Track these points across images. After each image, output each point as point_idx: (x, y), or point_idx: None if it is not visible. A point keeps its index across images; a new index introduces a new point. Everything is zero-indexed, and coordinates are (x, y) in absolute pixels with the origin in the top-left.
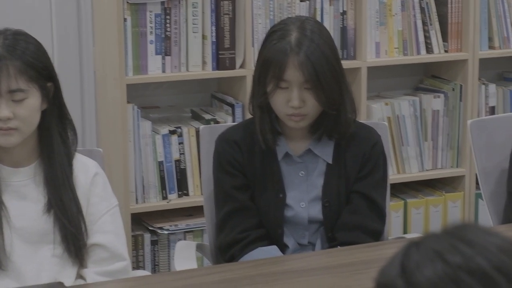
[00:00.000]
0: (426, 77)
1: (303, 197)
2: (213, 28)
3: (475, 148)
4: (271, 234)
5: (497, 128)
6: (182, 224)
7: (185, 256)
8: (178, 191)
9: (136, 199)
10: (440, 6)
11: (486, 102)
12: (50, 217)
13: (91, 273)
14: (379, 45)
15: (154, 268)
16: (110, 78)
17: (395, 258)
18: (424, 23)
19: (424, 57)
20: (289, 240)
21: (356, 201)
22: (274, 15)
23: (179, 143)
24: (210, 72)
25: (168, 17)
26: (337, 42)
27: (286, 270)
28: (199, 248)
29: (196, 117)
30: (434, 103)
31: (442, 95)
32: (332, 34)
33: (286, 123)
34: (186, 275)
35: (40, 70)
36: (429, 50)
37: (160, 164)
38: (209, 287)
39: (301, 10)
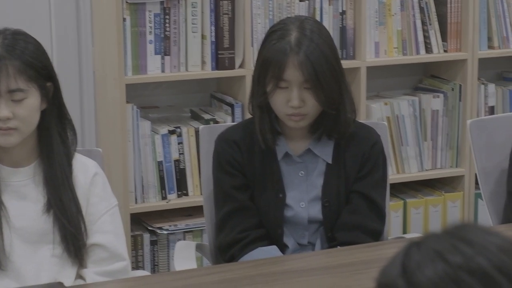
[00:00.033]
0: (425, 77)
1: (303, 197)
2: (213, 28)
3: (475, 148)
4: (271, 234)
5: (497, 128)
6: (182, 224)
7: (184, 256)
8: (178, 191)
9: (136, 199)
10: (439, 6)
11: (485, 102)
12: (50, 217)
13: (91, 273)
14: (378, 45)
15: (154, 268)
16: (109, 78)
17: (396, 258)
18: (423, 23)
19: (423, 57)
20: (289, 240)
21: (355, 201)
22: (274, 15)
23: (179, 143)
24: (209, 72)
25: (167, 17)
26: (337, 42)
27: (286, 270)
28: (199, 248)
29: (196, 117)
30: (434, 103)
31: (441, 95)
32: (331, 34)
33: (285, 123)
34: (185, 275)
35: (40, 70)
36: (428, 50)
37: (160, 164)
38: (208, 287)
39: (301, 10)
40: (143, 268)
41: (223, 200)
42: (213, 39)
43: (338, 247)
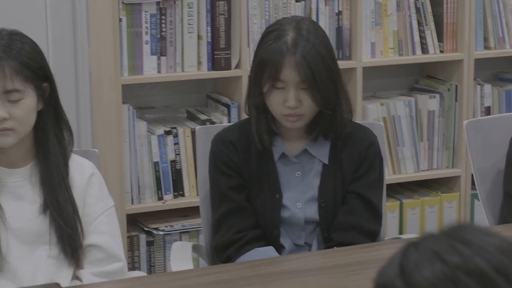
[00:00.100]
0: (421, 78)
1: (300, 198)
2: (209, 28)
3: (471, 149)
4: (268, 235)
5: (493, 129)
6: (178, 224)
7: (181, 256)
8: (174, 191)
9: (132, 200)
10: (435, 7)
11: (481, 102)
12: (46, 217)
13: (87, 274)
14: (374, 45)
15: (150, 269)
16: (105, 79)
17: (393, 258)
18: (419, 23)
19: (419, 57)
20: (285, 241)
21: (352, 202)
22: (270, 15)
23: (175, 144)
24: (205, 73)
25: (163, 17)
26: (333, 42)
27: (282, 271)
28: (195, 248)
29: (192, 117)
30: (430, 103)
31: (437, 96)
32: (327, 34)
33: (282, 123)
34: (182, 275)
35: (36, 70)
36: (424, 50)
37: (156, 164)
38: None
39: (297, 10)
40: (139, 269)
41: (220, 200)
42: (209, 40)
43: (335, 247)
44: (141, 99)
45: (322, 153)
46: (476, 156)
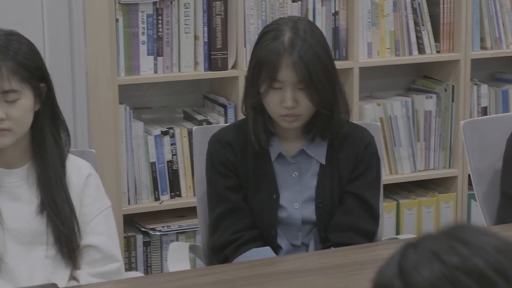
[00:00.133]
0: (418, 78)
1: (297, 198)
2: (205, 28)
3: (468, 149)
4: (265, 235)
5: (490, 129)
6: (175, 225)
7: (178, 257)
8: (171, 192)
9: (128, 200)
10: (432, 7)
11: (478, 103)
12: (43, 218)
13: (84, 274)
14: (371, 45)
15: (147, 270)
16: (102, 79)
17: (392, 258)
18: (416, 24)
19: (416, 57)
20: (282, 241)
21: (349, 202)
22: (266, 15)
23: (171, 144)
24: (202, 73)
25: (160, 17)
26: (329, 43)
27: (280, 271)
28: (192, 249)
29: (188, 118)
30: (426, 103)
31: (434, 96)
32: (324, 34)
33: (279, 123)
34: (179, 276)
35: (33, 71)
36: (421, 50)
37: (152, 165)
38: None
39: (293, 10)
40: (136, 269)
41: (217, 201)
42: (206, 40)
43: (332, 248)
44: (138, 100)
45: (319, 153)
46: (473, 156)
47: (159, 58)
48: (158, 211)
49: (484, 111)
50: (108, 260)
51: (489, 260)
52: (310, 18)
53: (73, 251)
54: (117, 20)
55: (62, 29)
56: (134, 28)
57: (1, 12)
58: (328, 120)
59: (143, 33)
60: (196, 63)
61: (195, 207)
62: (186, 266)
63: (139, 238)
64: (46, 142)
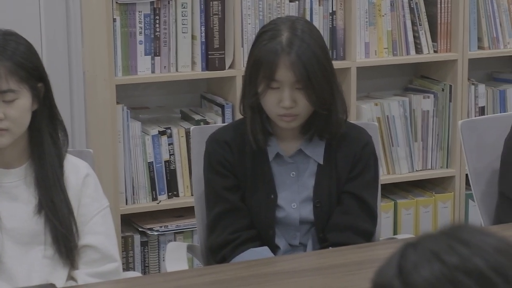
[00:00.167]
0: (415, 78)
1: (294, 198)
2: (203, 28)
3: (466, 149)
4: (262, 235)
5: (488, 129)
6: (172, 225)
7: (176, 257)
8: (168, 192)
9: (126, 200)
10: (429, 6)
11: (475, 103)
12: (41, 218)
13: (82, 274)
14: (368, 45)
15: (144, 270)
16: (99, 79)
17: (392, 258)
18: (413, 23)
19: (413, 57)
20: (280, 241)
21: (347, 202)
22: (264, 15)
23: (169, 144)
24: (199, 73)
25: (157, 17)
26: (327, 43)
27: (277, 271)
28: (190, 249)
29: (186, 117)
30: (424, 103)
31: (431, 96)
32: (321, 34)
33: (277, 123)
34: (177, 276)
35: (31, 71)
36: (418, 50)
37: (150, 165)
38: None
39: (290, 10)
40: (133, 269)
41: (214, 201)
42: (203, 40)
43: (330, 248)
44: (135, 99)
45: (317, 153)
46: (471, 156)
47: (157, 58)
48: (155, 211)
49: (482, 111)
50: (106, 260)
51: (489, 260)
52: (307, 18)
53: (71, 251)
54: (114, 20)
55: (60, 28)
56: (131, 28)
57: None
58: (326, 120)
59: (140, 33)
60: (193, 63)
61: (193, 207)
62: (184, 266)
63: (137, 238)
64: (44, 142)
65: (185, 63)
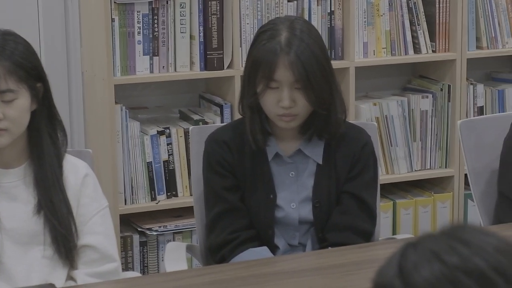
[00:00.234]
0: (414, 77)
1: (294, 198)
2: (201, 28)
3: (465, 149)
4: (262, 235)
5: (486, 128)
6: (171, 225)
7: (175, 257)
8: (167, 192)
9: (125, 200)
10: (428, 6)
11: (474, 102)
12: (40, 218)
13: (82, 274)
14: (366, 45)
15: (143, 270)
16: (98, 79)
17: (392, 258)
18: (411, 23)
19: (412, 57)
20: (279, 241)
21: (346, 202)
22: (262, 15)
23: (168, 144)
24: (198, 73)
25: (155, 17)
26: (325, 42)
27: (277, 271)
28: (189, 249)
29: (184, 117)
30: (423, 103)
31: (430, 96)
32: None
33: (276, 123)
34: (176, 276)
35: (30, 71)
36: (416, 50)
37: (149, 165)
38: None
39: (289, 10)
40: (132, 269)
41: (214, 201)
42: (202, 40)
43: (329, 248)
44: (134, 99)
45: (316, 153)
46: (470, 156)
47: (155, 58)
48: (154, 211)
49: (480, 110)
50: (105, 260)
51: (489, 260)
52: (306, 17)
53: (70, 251)
54: (113, 19)
55: (58, 29)
56: (130, 28)
57: None
58: (325, 119)
59: (139, 32)
60: (192, 62)
61: (192, 207)
62: (183, 266)
63: (136, 238)
64: (43, 142)
65: (183, 63)
